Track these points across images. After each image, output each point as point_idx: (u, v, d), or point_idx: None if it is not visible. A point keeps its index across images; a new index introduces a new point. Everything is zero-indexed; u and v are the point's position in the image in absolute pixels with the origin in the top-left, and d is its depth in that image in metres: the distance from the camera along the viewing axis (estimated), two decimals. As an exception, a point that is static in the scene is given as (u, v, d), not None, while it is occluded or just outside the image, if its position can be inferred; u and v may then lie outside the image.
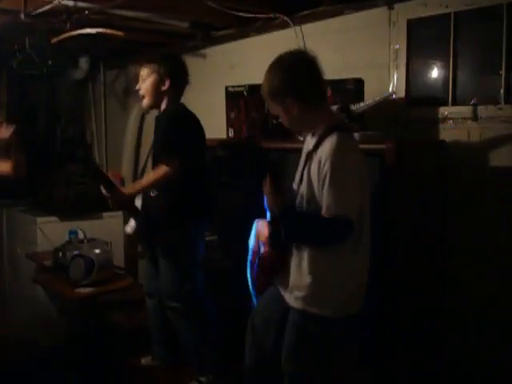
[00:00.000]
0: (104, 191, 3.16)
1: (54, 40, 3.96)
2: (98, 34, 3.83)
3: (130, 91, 5.09)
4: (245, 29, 4.09)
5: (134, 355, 3.73)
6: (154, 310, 3.60)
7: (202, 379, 3.37)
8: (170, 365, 3.67)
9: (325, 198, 2.20)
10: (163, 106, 3.32)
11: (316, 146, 2.31)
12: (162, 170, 3.09)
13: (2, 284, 5.32)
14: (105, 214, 4.93)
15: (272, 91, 2.35)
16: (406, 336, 2.95)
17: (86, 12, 3.55)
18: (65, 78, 5.30)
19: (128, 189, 3.24)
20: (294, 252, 2.39)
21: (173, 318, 3.39)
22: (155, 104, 3.33)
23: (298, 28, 3.68)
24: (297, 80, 2.32)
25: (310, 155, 2.34)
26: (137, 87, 3.35)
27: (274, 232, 2.43)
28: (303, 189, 2.35)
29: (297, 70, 2.33)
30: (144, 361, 3.70)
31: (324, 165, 2.21)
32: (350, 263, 2.35)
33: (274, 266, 2.50)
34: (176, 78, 3.28)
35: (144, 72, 3.29)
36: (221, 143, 3.70)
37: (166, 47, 4.44)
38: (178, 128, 3.19)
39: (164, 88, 3.26)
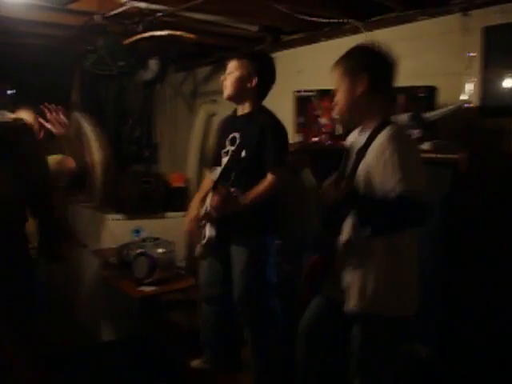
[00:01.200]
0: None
1: (127, 41, 4.04)
2: (168, 36, 3.88)
3: (198, 93, 5.14)
4: (314, 33, 4.05)
5: (189, 356, 3.75)
6: (210, 316, 3.57)
7: None
8: (220, 369, 3.64)
9: (391, 181, 2.14)
10: (248, 105, 3.26)
11: (370, 140, 2.28)
12: (271, 180, 3.07)
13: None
14: (169, 214, 4.98)
15: (348, 63, 2.35)
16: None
17: (158, 14, 3.60)
18: (134, 79, 5.39)
19: (243, 200, 3.13)
20: (351, 252, 2.35)
21: (245, 323, 3.36)
22: (236, 98, 3.27)
23: (368, 34, 3.62)
24: (377, 61, 2.34)
25: (362, 150, 2.30)
26: (222, 78, 3.30)
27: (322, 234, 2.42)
28: (359, 184, 2.28)
29: (379, 53, 2.34)
30: (194, 363, 3.69)
31: (383, 153, 2.18)
32: (410, 261, 2.32)
33: (319, 271, 2.47)
34: (263, 78, 3.23)
35: (232, 65, 3.24)
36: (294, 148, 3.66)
37: (234, 51, 4.45)
38: (284, 136, 3.17)
39: (250, 85, 3.20)
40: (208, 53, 4.82)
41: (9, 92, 5.67)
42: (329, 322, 2.52)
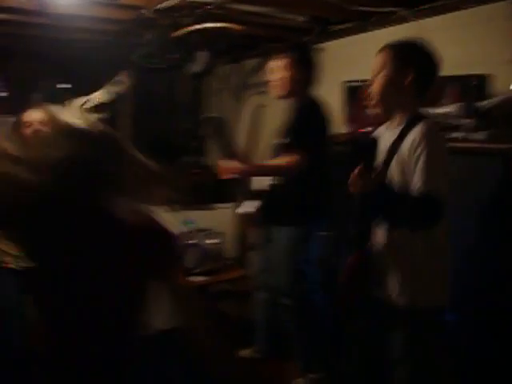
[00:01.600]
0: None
1: (176, 34, 4.08)
2: (217, 28, 3.91)
3: (246, 85, 5.15)
4: (363, 23, 4.01)
5: (237, 346, 3.79)
6: (262, 303, 3.62)
7: (311, 376, 3.37)
8: (271, 359, 3.67)
9: (417, 178, 2.16)
10: (294, 96, 3.31)
11: (403, 134, 2.28)
12: (291, 157, 3.08)
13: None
14: (218, 205, 5.02)
15: (399, 52, 2.34)
16: None
17: (207, 7, 3.63)
18: (184, 72, 5.43)
19: (251, 165, 3.27)
20: (388, 248, 2.34)
21: (283, 314, 3.39)
22: (288, 94, 3.32)
23: (417, 22, 3.57)
24: (426, 61, 2.34)
25: (395, 144, 2.30)
26: (268, 76, 3.35)
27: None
28: (392, 178, 2.29)
29: (429, 54, 2.33)
30: (244, 352, 3.72)
31: (417, 148, 2.18)
32: (445, 251, 2.32)
33: (358, 271, 2.46)
34: (310, 71, 3.31)
35: (279, 63, 3.29)
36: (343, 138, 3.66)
37: (282, 42, 4.44)
38: (316, 119, 3.20)
39: (298, 82, 3.27)
40: (256, 44, 4.83)
41: (64, 86, 5.81)
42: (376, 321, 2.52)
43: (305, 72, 3.28)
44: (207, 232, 4.19)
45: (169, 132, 6.14)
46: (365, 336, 2.57)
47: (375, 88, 2.36)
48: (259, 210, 3.49)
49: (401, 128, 2.30)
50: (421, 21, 3.56)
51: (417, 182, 2.15)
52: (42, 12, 3.78)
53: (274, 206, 3.36)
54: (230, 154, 3.29)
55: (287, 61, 3.26)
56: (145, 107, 5.84)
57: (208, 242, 4.04)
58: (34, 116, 3.07)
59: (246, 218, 3.58)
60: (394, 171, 2.28)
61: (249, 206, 3.62)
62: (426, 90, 2.35)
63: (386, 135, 2.39)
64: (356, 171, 2.22)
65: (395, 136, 2.31)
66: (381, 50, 2.38)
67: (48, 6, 3.65)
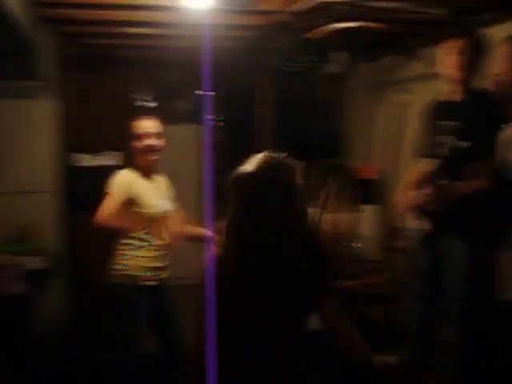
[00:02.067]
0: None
1: (313, 36, 4.05)
2: (354, 27, 3.82)
3: (387, 83, 5.00)
4: (507, 12, 3.73)
5: (383, 352, 3.67)
6: (417, 314, 3.46)
7: None
8: (416, 368, 3.51)
9: None
10: (462, 89, 3.12)
11: None
12: (481, 179, 2.86)
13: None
14: (363, 207, 4.91)
15: None
16: None
17: (344, 6, 3.55)
18: (322, 73, 5.39)
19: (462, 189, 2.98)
20: None
21: (455, 324, 3.21)
22: (461, 82, 3.13)
23: None
24: None
25: None
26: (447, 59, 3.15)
27: None
28: None
29: None
30: (388, 359, 3.59)
31: None
32: None
33: None
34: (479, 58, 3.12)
35: (458, 45, 3.11)
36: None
37: (421, 37, 4.26)
38: (500, 119, 2.92)
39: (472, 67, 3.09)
40: (396, 41, 4.67)
41: (207, 93, 5.96)
42: None
43: (476, 58, 3.09)
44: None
45: (309, 133, 6.11)
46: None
47: None
48: (431, 217, 3.25)
49: None
50: None
51: None
52: (179, 23, 3.90)
53: (453, 217, 3.11)
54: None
55: (464, 43, 3.08)
56: (285, 109, 5.85)
57: (353, 244, 3.95)
58: (151, 128, 3.13)
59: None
60: None
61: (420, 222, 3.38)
62: None
63: None
64: None
65: None
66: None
67: (185, 17, 3.76)
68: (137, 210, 3.05)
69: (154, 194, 3.15)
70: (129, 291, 3.05)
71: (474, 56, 3.07)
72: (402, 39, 4.58)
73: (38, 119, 4.44)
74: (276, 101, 5.57)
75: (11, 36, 3.47)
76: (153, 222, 3.07)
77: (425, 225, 3.17)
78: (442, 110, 3.24)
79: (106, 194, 3.02)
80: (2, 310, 3.48)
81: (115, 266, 3.12)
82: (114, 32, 4.35)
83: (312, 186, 4.92)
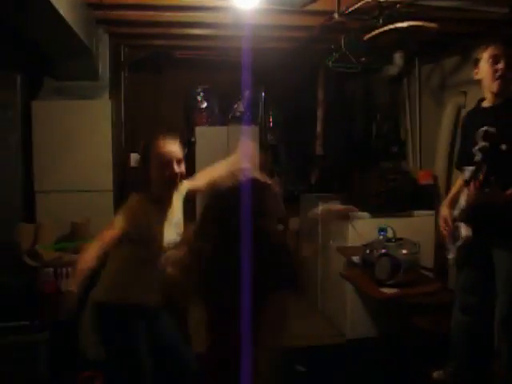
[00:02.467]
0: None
1: (367, 37, 3.96)
2: (411, 27, 3.71)
3: (445, 85, 4.85)
4: None
5: (432, 364, 3.55)
6: (463, 326, 3.34)
7: None
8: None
9: None
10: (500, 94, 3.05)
11: None
12: None
13: (314, 275, 5.56)
14: (416, 213, 4.79)
15: None
16: None
17: (397, 6, 3.46)
18: (379, 75, 5.29)
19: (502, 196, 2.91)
20: None
21: (504, 338, 3.07)
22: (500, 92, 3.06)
23: None
24: None
25: None
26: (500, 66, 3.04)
27: None
28: None
29: None
30: (436, 374, 3.48)
31: None
32: None
33: None
34: None
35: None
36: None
37: (482, 37, 4.11)
38: None
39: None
40: (454, 41, 4.52)
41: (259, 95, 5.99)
42: None
43: None
44: (401, 241, 3.98)
45: (367, 137, 6.03)
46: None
47: None
48: (476, 225, 3.14)
49: None
50: None
51: None
52: (234, 24, 3.91)
53: (494, 220, 3.03)
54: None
55: (506, 52, 3.00)
56: (340, 112, 5.80)
57: (402, 251, 3.82)
58: (178, 154, 2.65)
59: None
60: None
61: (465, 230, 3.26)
62: None
63: None
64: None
65: None
66: None
67: (240, 19, 3.76)
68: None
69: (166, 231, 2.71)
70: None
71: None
72: (462, 40, 4.43)
73: (97, 119, 4.54)
74: (332, 102, 5.49)
75: (69, 38, 3.54)
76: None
77: (469, 234, 3.06)
78: (476, 117, 3.17)
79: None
80: (56, 306, 3.57)
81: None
82: (168, 33, 4.40)
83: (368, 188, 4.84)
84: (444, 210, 3.31)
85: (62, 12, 2.85)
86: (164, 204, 2.68)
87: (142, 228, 2.53)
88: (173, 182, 2.62)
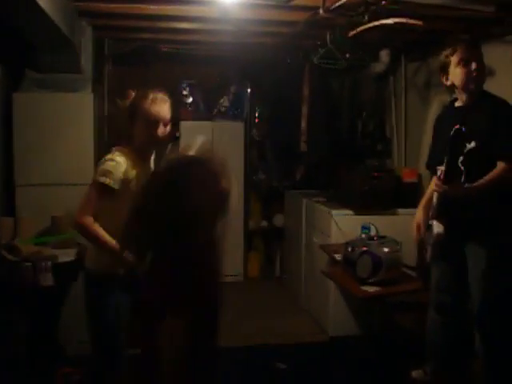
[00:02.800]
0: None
1: (352, 33, 3.94)
2: (396, 24, 3.69)
3: (432, 84, 4.84)
4: None
5: (413, 363, 3.55)
6: (438, 325, 3.34)
7: None
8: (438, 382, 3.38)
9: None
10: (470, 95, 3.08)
11: None
12: (504, 167, 2.87)
13: (297, 272, 5.55)
14: (400, 211, 4.78)
15: None
16: None
17: (383, 2, 3.43)
18: (365, 72, 5.27)
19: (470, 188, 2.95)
20: None
21: (481, 335, 3.07)
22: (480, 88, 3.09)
23: None
24: None
25: None
26: (472, 68, 3.06)
27: None
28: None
29: None
30: (415, 374, 3.48)
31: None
32: None
33: None
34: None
35: (479, 54, 3.11)
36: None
37: (469, 35, 4.10)
38: None
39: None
40: (441, 39, 4.50)
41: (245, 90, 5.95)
42: None
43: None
44: (383, 239, 3.98)
45: (353, 134, 6.01)
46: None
47: None
48: (450, 223, 3.14)
49: None
50: None
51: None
52: (220, 19, 3.88)
53: (466, 215, 3.05)
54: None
55: (480, 49, 3.10)
56: (325, 109, 5.77)
57: (384, 250, 3.81)
58: (168, 114, 2.68)
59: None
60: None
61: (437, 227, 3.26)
62: None
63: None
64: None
65: None
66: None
67: (226, 13, 3.72)
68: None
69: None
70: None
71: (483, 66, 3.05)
72: (447, 38, 4.40)
73: (79, 112, 4.49)
74: (316, 99, 5.47)
75: (49, 30, 3.49)
76: None
77: (441, 231, 3.07)
78: (448, 117, 3.21)
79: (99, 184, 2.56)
80: (34, 301, 3.53)
81: None
82: (153, 26, 4.36)
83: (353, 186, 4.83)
84: (418, 214, 3.32)
85: (40, 2, 2.79)
86: (144, 161, 2.70)
87: (126, 181, 2.56)
88: (155, 143, 2.66)
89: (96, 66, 4.72)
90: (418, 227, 3.25)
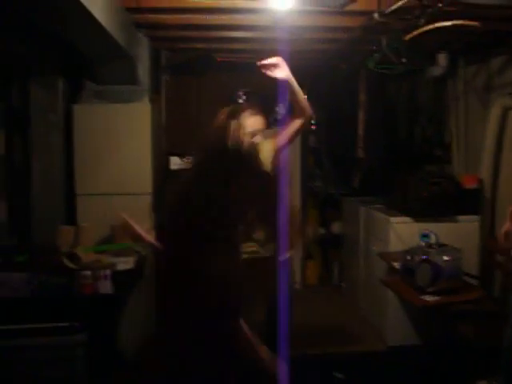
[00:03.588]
0: None
1: (408, 37, 3.87)
2: (453, 27, 3.60)
3: (492, 86, 4.70)
4: None
5: (474, 374, 3.44)
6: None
7: None
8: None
9: None
10: None
11: None
12: None
13: (356, 280, 5.48)
14: (460, 218, 4.66)
15: None
16: None
17: (439, 5, 3.36)
18: (423, 76, 5.16)
19: None
20: None
21: None
22: None
23: None
24: None
25: None
26: None
27: None
28: None
29: None
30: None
31: None
32: None
33: None
34: None
35: None
36: None
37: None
38: None
39: None
40: (501, 41, 4.37)
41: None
42: None
43: None
44: (443, 248, 3.88)
45: (410, 139, 5.91)
46: None
47: None
48: None
49: None
50: None
51: None
52: (273, 26, 3.87)
53: None
54: None
55: None
56: (382, 114, 5.69)
57: (444, 258, 3.72)
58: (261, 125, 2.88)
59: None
60: None
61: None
62: None
63: None
64: None
65: None
66: None
67: (278, 20, 3.72)
68: None
69: None
70: None
71: None
72: (509, 39, 4.28)
73: (137, 122, 4.56)
74: (372, 104, 5.40)
75: (106, 42, 3.56)
76: None
77: None
78: None
79: None
80: (93, 309, 3.59)
81: None
82: (207, 36, 4.39)
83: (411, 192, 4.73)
84: (508, 222, 3.17)
85: (97, 16, 2.85)
86: None
87: None
88: None
89: (153, 76, 4.80)
90: (506, 235, 3.14)
